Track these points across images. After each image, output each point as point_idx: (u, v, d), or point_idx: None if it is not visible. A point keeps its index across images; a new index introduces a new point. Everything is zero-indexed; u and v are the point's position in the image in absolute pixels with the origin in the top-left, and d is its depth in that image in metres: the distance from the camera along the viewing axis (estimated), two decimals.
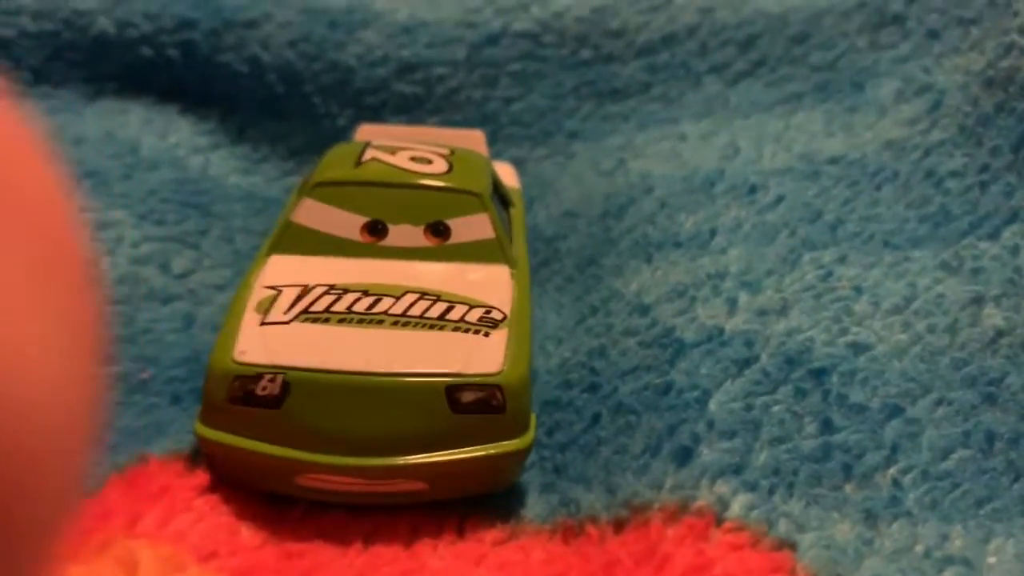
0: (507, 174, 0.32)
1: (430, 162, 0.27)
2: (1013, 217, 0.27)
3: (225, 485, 0.22)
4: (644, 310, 0.26)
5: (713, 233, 0.28)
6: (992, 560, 0.19)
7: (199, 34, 0.35)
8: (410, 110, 0.36)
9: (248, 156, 0.35)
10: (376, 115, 0.35)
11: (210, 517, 0.21)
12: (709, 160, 0.32)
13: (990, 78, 0.30)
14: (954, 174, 0.29)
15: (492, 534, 0.22)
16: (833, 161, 0.30)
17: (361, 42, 0.35)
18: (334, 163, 0.27)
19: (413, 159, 0.27)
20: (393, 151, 0.27)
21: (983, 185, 0.28)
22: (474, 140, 0.33)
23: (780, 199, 0.29)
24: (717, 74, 0.35)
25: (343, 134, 0.35)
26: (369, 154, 0.27)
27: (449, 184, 0.26)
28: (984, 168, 0.28)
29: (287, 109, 0.36)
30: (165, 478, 0.21)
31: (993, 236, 0.26)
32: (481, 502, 0.22)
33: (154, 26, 0.35)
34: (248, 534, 0.21)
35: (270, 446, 0.21)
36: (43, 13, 0.35)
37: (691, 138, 0.33)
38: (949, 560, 0.19)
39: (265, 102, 0.36)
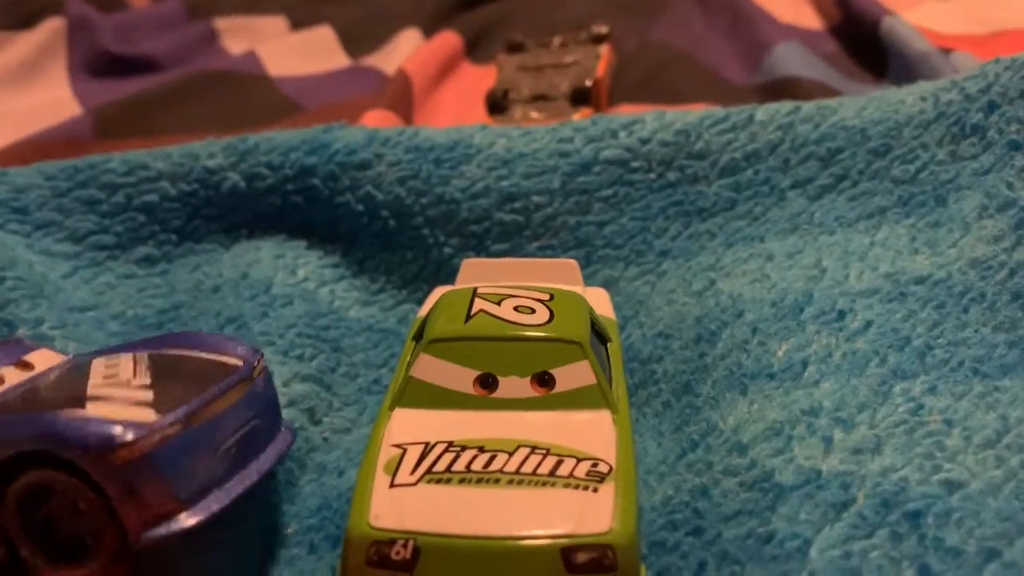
0: (601, 301, 0.34)
1: (532, 311, 0.29)
2: None
3: None
4: (742, 449, 0.27)
5: (805, 364, 0.29)
6: None
7: (319, 180, 0.39)
8: (511, 237, 0.38)
9: (367, 287, 0.39)
10: (480, 243, 0.38)
11: None
12: (797, 281, 0.33)
13: None
14: None
15: None
16: (919, 281, 0.31)
17: (464, 176, 0.38)
18: (446, 315, 0.29)
19: (517, 309, 0.29)
20: (499, 301, 0.30)
21: None
22: (568, 268, 0.35)
23: (868, 324, 0.30)
24: (800, 189, 0.37)
25: (450, 262, 0.38)
26: (477, 306, 0.29)
27: (551, 335, 0.28)
28: None
29: (399, 241, 0.39)
30: None
31: None
32: None
33: (278, 176, 0.39)
34: None
35: None
36: (178, 175, 0.39)
37: (778, 256, 0.35)
38: None
39: (379, 236, 0.39)
